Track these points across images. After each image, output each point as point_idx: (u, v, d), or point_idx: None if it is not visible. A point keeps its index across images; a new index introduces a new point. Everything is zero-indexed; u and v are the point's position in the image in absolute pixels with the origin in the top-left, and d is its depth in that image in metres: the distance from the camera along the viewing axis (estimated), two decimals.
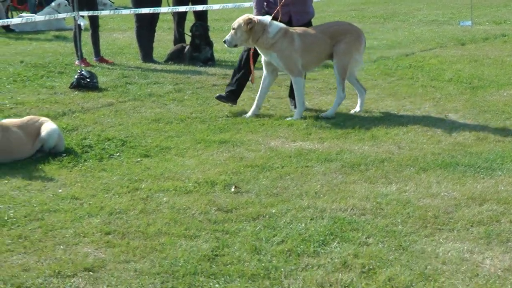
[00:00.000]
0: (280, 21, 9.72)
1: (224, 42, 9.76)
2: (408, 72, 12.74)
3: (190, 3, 14.96)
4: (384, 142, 8.36)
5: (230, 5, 15.57)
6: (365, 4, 27.20)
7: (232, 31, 9.65)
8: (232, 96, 10.17)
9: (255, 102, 9.81)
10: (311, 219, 6.06)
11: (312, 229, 5.85)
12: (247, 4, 14.46)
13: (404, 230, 5.81)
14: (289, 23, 9.87)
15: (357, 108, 9.95)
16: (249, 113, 9.76)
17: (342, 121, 9.38)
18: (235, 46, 9.82)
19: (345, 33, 9.75)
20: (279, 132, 8.96)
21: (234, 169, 7.45)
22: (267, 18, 9.64)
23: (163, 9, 14.83)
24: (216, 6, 15.48)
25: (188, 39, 14.72)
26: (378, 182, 7.00)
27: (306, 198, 6.57)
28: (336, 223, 5.95)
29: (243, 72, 10.21)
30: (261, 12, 9.89)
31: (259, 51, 9.77)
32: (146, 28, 14.75)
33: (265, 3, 9.95)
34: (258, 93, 9.83)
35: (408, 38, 17.52)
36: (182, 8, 14.63)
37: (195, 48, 14.28)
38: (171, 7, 14.91)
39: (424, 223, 5.94)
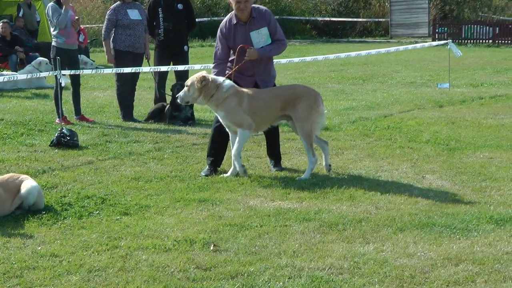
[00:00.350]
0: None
1: (176, 98, 9.83)
2: (386, 133, 12.87)
3: (171, 63, 15.11)
4: (362, 202, 8.44)
5: (211, 65, 15.66)
6: (344, 66, 27.48)
7: (185, 88, 9.74)
8: (216, 167, 10.17)
9: (233, 163, 9.85)
10: (289, 278, 6.11)
11: (290, 287, 5.89)
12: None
13: None
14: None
15: (324, 162, 10.02)
16: (228, 173, 9.80)
17: (320, 180, 9.46)
18: (187, 103, 10.02)
19: (301, 96, 9.72)
20: (258, 191, 9.02)
21: (213, 228, 7.49)
22: (221, 78, 9.73)
23: (145, 69, 14.97)
24: (197, 66, 15.61)
25: (168, 98, 14.83)
26: (356, 241, 7.06)
27: (284, 257, 6.62)
28: (314, 282, 6.00)
29: (218, 148, 10.19)
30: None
31: (212, 110, 9.84)
32: (126, 87, 14.87)
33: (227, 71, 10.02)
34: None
35: (386, 99, 17.71)
36: (163, 68, 14.78)
37: (175, 108, 14.37)
38: (153, 67, 15.05)
39: (400, 283, 6.00)
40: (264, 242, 7.04)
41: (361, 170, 10.08)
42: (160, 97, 15.35)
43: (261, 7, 10.19)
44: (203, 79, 9.57)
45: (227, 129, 9.83)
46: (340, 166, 10.35)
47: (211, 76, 9.69)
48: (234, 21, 10.01)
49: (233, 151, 9.70)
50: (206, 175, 9.84)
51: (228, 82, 9.69)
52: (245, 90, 9.72)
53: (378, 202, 8.45)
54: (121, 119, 14.72)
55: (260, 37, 10.01)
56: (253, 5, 10.03)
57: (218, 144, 10.13)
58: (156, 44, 15.36)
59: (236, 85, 9.72)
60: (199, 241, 7.05)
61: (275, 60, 18.19)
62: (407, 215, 7.86)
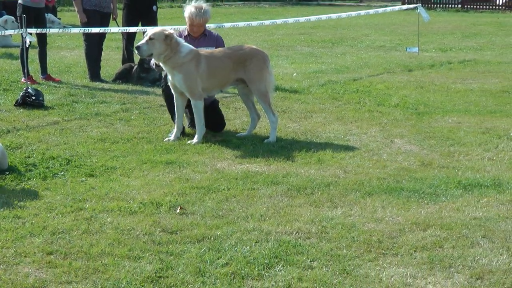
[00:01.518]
0: None
1: (137, 48, 9.49)
2: (355, 97, 12.82)
3: (140, 23, 14.92)
4: (330, 166, 8.39)
5: (182, 27, 15.53)
6: (313, 29, 27.37)
7: (147, 40, 9.41)
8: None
9: (176, 124, 9.71)
10: (256, 242, 6.05)
11: (257, 252, 5.84)
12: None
13: (348, 254, 5.82)
14: None
15: (245, 133, 10.02)
16: (172, 137, 9.62)
17: (288, 144, 9.40)
18: (150, 55, 9.50)
19: (251, 58, 9.71)
20: (226, 154, 8.94)
21: (180, 190, 7.41)
22: (182, 41, 9.57)
23: (113, 29, 14.76)
24: (167, 27, 15.43)
25: (137, 58, 14.65)
26: (324, 205, 7.02)
27: (252, 221, 6.56)
28: (281, 246, 5.94)
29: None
30: None
31: (164, 69, 9.63)
32: (94, 46, 14.68)
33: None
34: (176, 116, 9.72)
35: (356, 63, 17.66)
36: (132, 29, 14.58)
37: (143, 69, 14.22)
38: (121, 28, 14.85)
39: (368, 248, 5.96)
40: (231, 206, 6.98)
41: (330, 134, 10.03)
42: (128, 57, 15.19)
43: (214, 32, 10.45)
44: (171, 35, 9.40)
45: (173, 90, 9.66)
46: (308, 129, 10.29)
47: (175, 36, 9.53)
48: (185, 33, 10.19)
49: (197, 125, 9.56)
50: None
51: (186, 46, 9.53)
52: (201, 52, 9.60)
53: (347, 166, 8.40)
54: (88, 79, 14.54)
55: None
56: (209, 29, 10.45)
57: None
58: (125, 4, 15.17)
59: (193, 48, 9.57)
60: (165, 204, 6.97)
61: (246, 23, 18.18)
62: (375, 180, 7.83)
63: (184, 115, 10.06)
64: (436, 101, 12.44)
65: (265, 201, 7.12)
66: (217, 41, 10.25)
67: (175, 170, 8.21)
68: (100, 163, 8.45)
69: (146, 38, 9.44)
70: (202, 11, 9.99)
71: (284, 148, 9.17)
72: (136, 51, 9.72)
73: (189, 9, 10.03)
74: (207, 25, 10.32)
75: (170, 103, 9.97)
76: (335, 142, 9.55)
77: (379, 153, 9.01)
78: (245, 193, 7.36)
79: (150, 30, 9.64)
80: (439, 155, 8.91)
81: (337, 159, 8.68)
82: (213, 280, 5.32)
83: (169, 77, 9.57)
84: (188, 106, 9.76)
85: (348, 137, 9.84)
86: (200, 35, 10.17)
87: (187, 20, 10.09)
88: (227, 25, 16.49)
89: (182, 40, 9.57)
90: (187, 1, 10.24)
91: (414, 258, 5.75)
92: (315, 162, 8.54)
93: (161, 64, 9.55)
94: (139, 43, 9.51)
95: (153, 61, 9.86)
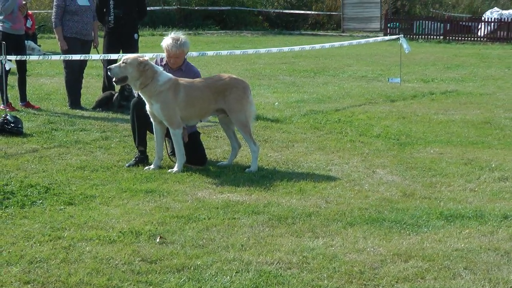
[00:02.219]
0: None
1: (109, 70, 9.52)
2: (337, 127, 12.82)
3: (121, 51, 14.89)
4: (312, 196, 8.34)
5: (162, 54, 15.51)
6: (295, 58, 27.44)
7: (121, 64, 9.44)
8: (143, 157, 9.98)
9: (156, 154, 9.65)
10: (236, 272, 5.99)
11: (237, 282, 5.78)
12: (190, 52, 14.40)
13: (329, 285, 5.77)
14: None
15: (226, 162, 9.98)
16: (152, 166, 9.58)
17: (270, 173, 9.35)
18: (123, 79, 9.49)
19: (231, 88, 9.66)
20: (207, 183, 8.88)
21: (160, 220, 7.34)
22: (159, 69, 9.55)
23: (94, 56, 14.72)
24: (148, 55, 15.43)
25: (117, 86, 14.60)
26: (305, 236, 6.96)
27: (232, 251, 6.49)
28: (262, 277, 5.88)
29: (141, 130, 9.94)
30: None
31: (144, 99, 9.56)
32: (74, 74, 14.64)
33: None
34: (156, 144, 9.66)
35: (338, 93, 17.68)
36: (113, 56, 14.55)
37: (124, 97, 14.17)
38: (102, 55, 14.81)
39: (349, 279, 5.91)
40: (211, 235, 6.91)
41: (312, 163, 9.99)
42: (108, 85, 15.13)
43: (194, 67, 10.34)
44: (145, 63, 9.37)
45: (152, 119, 9.59)
46: (290, 159, 10.25)
47: (151, 64, 9.49)
48: (164, 62, 10.12)
49: (177, 154, 9.50)
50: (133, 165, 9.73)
51: (165, 75, 9.49)
52: (181, 81, 9.54)
53: (328, 196, 8.36)
54: (67, 107, 14.47)
55: None
56: (189, 62, 10.28)
57: (145, 132, 9.95)
58: (106, 32, 15.14)
59: (172, 76, 9.53)
60: (145, 233, 6.89)
61: (229, 51, 18.21)
62: (357, 210, 7.78)
63: (166, 143, 10.01)
64: (418, 131, 12.45)
65: (246, 231, 7.06)
66: (194, 77, 10.03)
67: (155, 199, 8.14)
68: (79, 191, 8.37)
69: (120, 62, 9.46)
70: (179, 42, 9.88)
71: (265, 178, 9.12)
72: (108, 73, 9.72)
73: (166, 40, 9.94)
74: (189, 52, 10.26)
75: (137, 120, 9.89)
76: (316, 172, 9.51)
77: (361, 183, 8.97)
78: (225, 223, 7.30)
79: (126, 55, 9.66)
80: (421, 186, 8.88)
81: (318, 189, 8.64)
82: None
83: (147, 105, 9.52)
84: (168, 134, 9.71)
85: (329, 167, 9.80)
86: (177, 68, 10.05)
87: (164, 51, 10.03)
88: (210, 53, 16.51)
89: (160, 69, 9.54)
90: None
91: None
92: (297, 192, 8.49)
93: (139, 92, 9.51)
94: (112, 65, 9.60)
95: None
